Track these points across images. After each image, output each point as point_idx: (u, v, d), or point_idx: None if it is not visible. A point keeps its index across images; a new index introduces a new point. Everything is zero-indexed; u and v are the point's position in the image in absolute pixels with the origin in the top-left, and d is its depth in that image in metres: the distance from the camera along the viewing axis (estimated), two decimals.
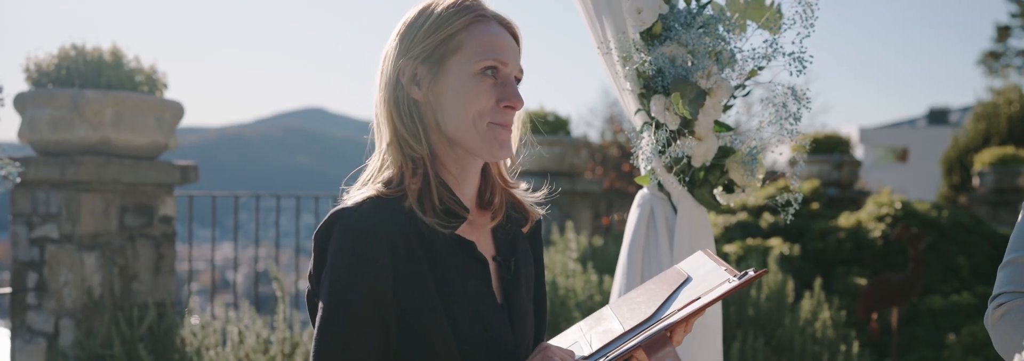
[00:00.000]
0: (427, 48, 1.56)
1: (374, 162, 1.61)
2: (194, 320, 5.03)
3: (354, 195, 1.55)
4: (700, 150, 2.68)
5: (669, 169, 2.73)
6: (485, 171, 1.68)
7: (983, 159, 13.04)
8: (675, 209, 2.80)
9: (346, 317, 1.45)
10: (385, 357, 1.48)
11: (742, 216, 8.54)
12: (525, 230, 1.71)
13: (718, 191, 2.79)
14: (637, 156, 2.72)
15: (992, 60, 29.29)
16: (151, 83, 5.08)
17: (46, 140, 4.82)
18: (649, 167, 2.75)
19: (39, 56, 4.90)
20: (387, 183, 1.56)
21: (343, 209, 1.50)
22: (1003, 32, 29.10)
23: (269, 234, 6.83)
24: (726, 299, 5.20)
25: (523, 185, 1.74)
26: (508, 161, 1.70)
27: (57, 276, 4.79)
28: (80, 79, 4.85)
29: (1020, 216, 1.95)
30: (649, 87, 2.68)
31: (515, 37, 1.62)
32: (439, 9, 1.58)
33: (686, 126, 2.67)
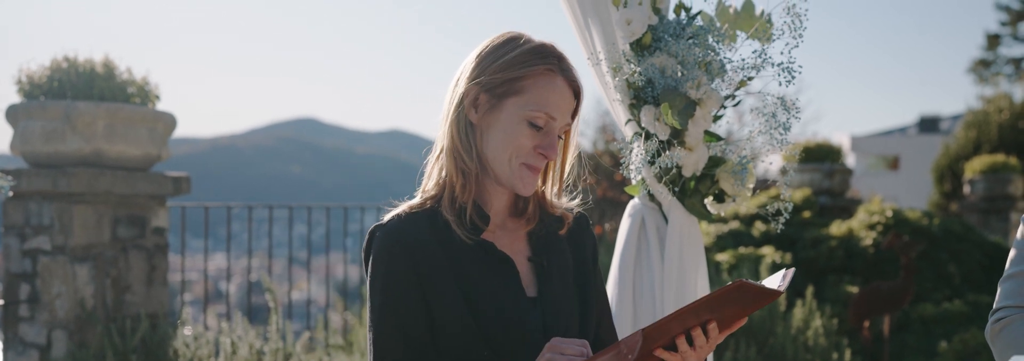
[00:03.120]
0: (494, 81, 1.74)
1: (431, 165, 1.82)
2: (187, 331, 5.03)
3: (390, 212, 1.81)
4: (690, 160, 2.69)
5: (659, 179, 2.73)
6: None
7: (974, 167, 13.09)
8: (666, 219, 2.81)
9: (383, 319, 1.72)
10: (422, 349, 1.71)
11: (734, 225, 8.55)
12: (563, 232, 1.88)
13: (709, 201, 2.80)
14: (628, 166, 2.73)
15: (982, 68, 29.43)
16: (143, 94, 5.09)
17: (38, 152, 4.82)
18: (640, 177, 2.76)
19: (31, 68, 4.90)
20: (427, 195, 1.79)
21: (376, 226, 1.78)
22: (993, 40, 29.25)
23: (262, 244, 6.83)
24: None
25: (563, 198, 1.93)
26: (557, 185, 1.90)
27: (50, 288, 4.78)
28: (72, 91, 4.85)
29: (1020, 230, 1.94)
30: (639, 97, 2.69)
31: (577, 95, 1.80)
32: (521, 49, 1.75)
33: (676, 136, 2.68)
